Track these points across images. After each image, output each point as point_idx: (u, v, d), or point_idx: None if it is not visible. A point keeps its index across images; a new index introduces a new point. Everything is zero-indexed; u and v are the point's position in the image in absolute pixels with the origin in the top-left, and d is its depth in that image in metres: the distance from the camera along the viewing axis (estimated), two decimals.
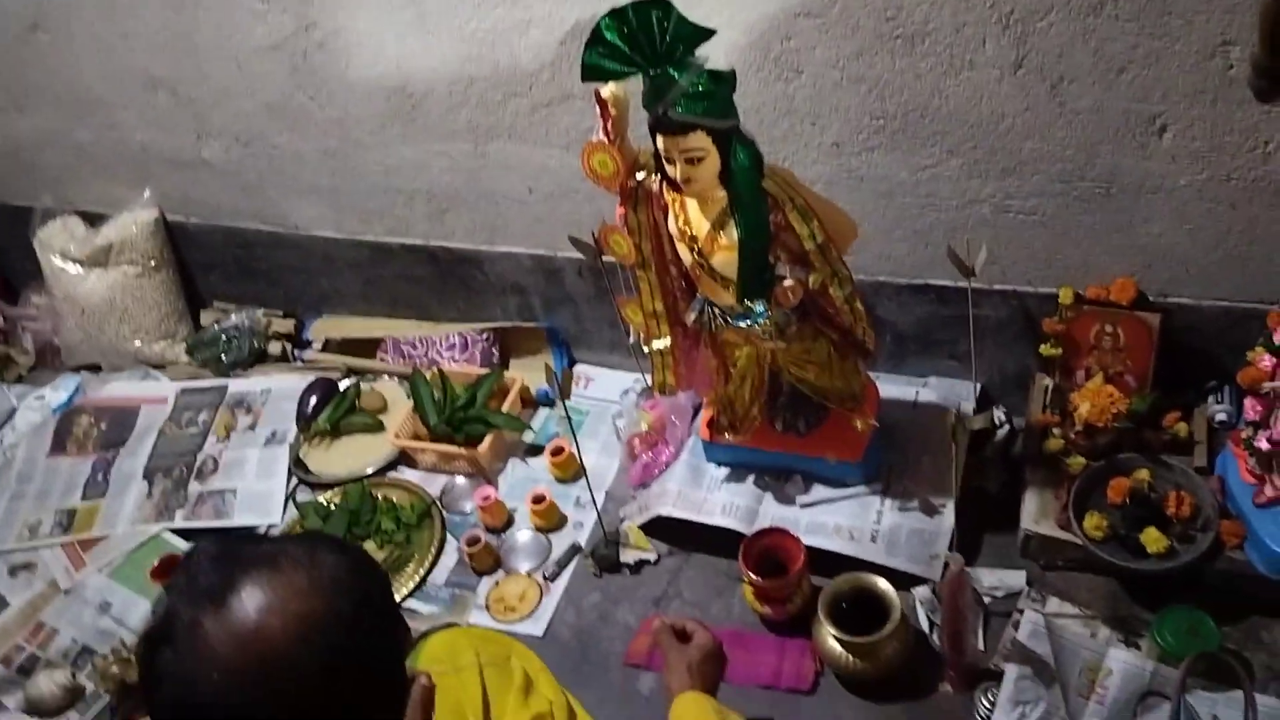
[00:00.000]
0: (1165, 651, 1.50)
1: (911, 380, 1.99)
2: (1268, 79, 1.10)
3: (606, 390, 2.26)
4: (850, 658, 1.60)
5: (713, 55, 1.37)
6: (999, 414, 1.92)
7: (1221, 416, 1.70)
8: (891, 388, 1.97)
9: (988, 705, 1.55)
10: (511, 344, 2.37)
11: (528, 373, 2.26)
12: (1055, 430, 1.75)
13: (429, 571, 1.99)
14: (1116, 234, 1.63)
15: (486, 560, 1.96)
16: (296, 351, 2.53)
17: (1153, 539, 1.57)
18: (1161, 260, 1.64)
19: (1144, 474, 1.62)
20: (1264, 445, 1.46)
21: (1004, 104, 1.54)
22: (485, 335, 2.33)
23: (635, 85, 1.40)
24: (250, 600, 0.83)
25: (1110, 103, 1.48)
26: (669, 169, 1.45)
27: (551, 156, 1.93)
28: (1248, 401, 1.50)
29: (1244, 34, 1.34)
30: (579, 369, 2.32)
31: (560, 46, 1.74)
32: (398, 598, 1.94)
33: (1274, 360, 1.44)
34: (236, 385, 2.43)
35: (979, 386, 1.93)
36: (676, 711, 1.35)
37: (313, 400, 2.31)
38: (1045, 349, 1.75)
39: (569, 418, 1.72)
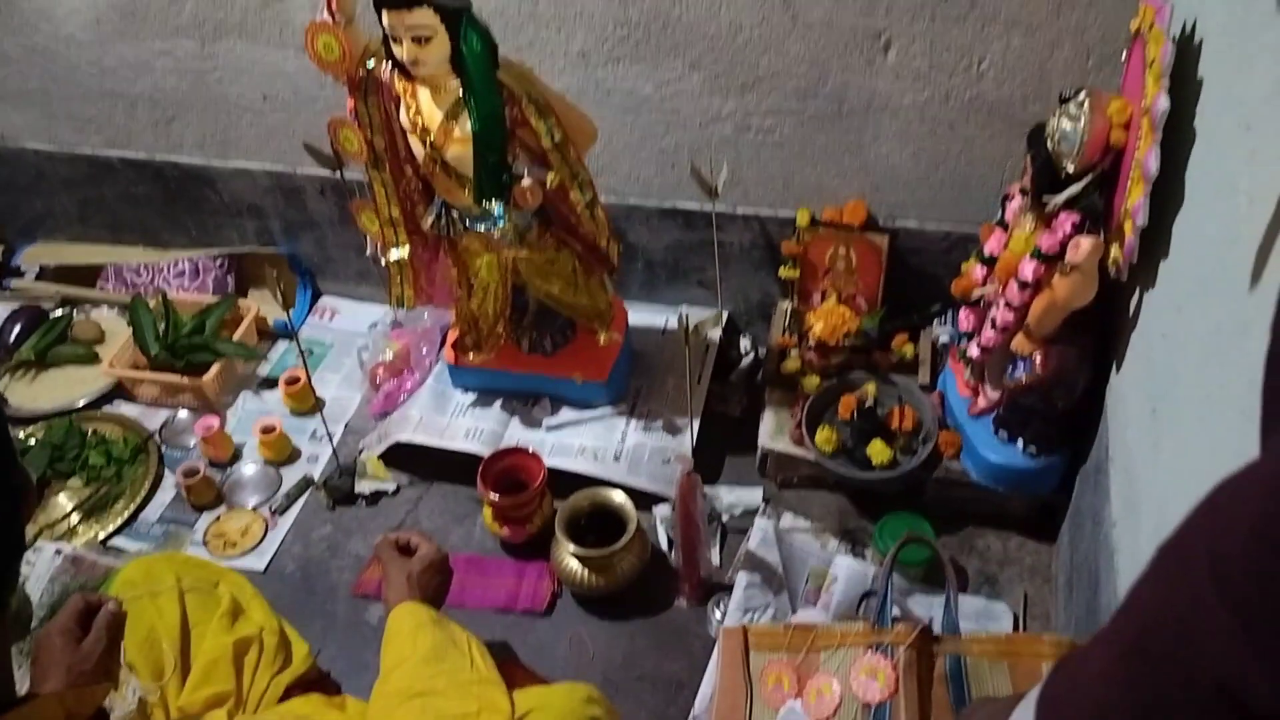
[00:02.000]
0: (885, 554, 1.55)
1: (663, 309, 1.99)
2: None
3: (353, 323, 2.15)
4: (587, 573, 1.57)
5: None
6: (745, 342, 1.95)
7: (944, 338, 1.78)
8: (643, 315, 1.97)
9: (719, 616, 1.56)
10: (249, 273, 2.21)
11: (266, 304, 2.11)
12: (793, 352, 1.78)
13: (140, 508, 1.82)
14: (848, 155, 1.68)
15: (206, 494, 1.81)
16: (4, 281, 2.27)
17: (878, 450, 1.62)
18: (889, 183, 1.70)
19: (870, 388, 1.67)
20: (975, 353, 1.53)
21: (741, 14, 1.54)
22: (219, 262, 2.16)
23: None
24: None
25: (840, 17, 1.51)
26: (396, 50, 1.37)
27: (288, 59, 1.80)
28: (962, 313, 1.57)
29: None
30: (324, 300, 2.19)
31: None
32: (102, 535, 1.76)
33: (985, 270, 1.50)
34: None
35: (726, 314, 1.94)
36: (392, 623, 1.27)
37: (16, 330, 2.08)
38: (784, 271, 1.78)
39: (294, 333, 1.60)
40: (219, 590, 1.42)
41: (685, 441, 1.73)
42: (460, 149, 1.45)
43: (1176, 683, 0.41)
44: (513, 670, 1.42)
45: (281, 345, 2.12)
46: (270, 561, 1.73)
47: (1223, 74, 1.08)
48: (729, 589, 1.58)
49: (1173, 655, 0.42)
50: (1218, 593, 0.39)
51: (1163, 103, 1.12)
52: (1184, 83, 1.15)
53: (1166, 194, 1.17)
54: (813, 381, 1.73)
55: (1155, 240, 1.20)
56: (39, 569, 1.68)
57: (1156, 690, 0.43)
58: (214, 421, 1.86)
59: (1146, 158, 1.16)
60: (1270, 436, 0.44)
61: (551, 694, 1.18)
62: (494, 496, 1.61)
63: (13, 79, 2.00)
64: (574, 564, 1.58)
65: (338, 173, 1.75)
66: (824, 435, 1.65)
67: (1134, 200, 1.19)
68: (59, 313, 2.14)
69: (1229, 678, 0.38)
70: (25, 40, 1.92)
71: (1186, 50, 1.18)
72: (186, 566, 1.44)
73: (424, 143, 1.47)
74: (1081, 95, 1.27)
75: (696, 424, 1.75)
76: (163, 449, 1.93)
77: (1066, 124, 1.27)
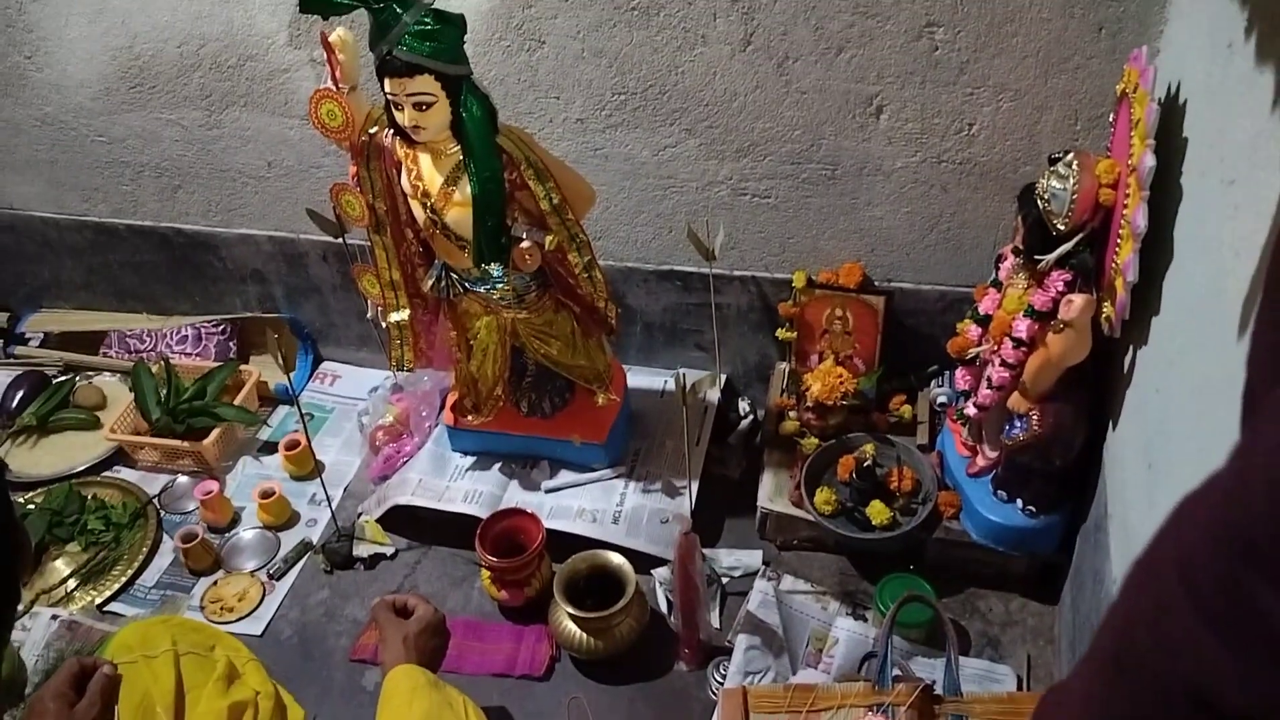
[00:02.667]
0: (886, 615, 1.53)
1: (661, 372, 2.00)
2: None
3: (354, 388, 2.15)
4: (586, 637, 1.56)
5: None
6: (743, 404, 1.96)
7: (942, 399, 1.79)
8: (641, 378, 1.98)
9: (719, 679, 1.54)
10: (251, 339, 2.22)
11: (267, 369, 2.12)
12: (791, 413, 1.79)
13: (138, 573, 1.81)
14: (843, 217, 1.70)
15: (204, 559, 1.80)
16: (9, 347, 2.28)
17: (877, 511, 1.61)
18: (884, 245, 1.72)
19: (869, 449, 1.67)
20: (972, 411, 1.54)
21: (736, 82, 1.58)
22: (221, 328, 2.18)
23: (365, 31, 1.35)
24: None
25: (832, 82, 1.54)
26: (398, 116, 1.40)
27: (291, 128, 1.84)
28: (959, 372, 1.58)
29: (946, 15, 1.44)
30: (325, 366, 2.20)
31: (297, 5, 1.66)
32: (99, 600, 1.75)
33: (980, 329, 1.52)
34: None
35: (724, 377, 1.95)
36: (388, 685, 1.26)
37: (19, 396, 2.09)
38: (781, 332, 1.79)
39: (295, 397, 1.61)
40: (215, 654, 1.41)
41: (684, 503, 1.72)
42: (460, 212, 1.47)
43: (1151, 691, 0.41)
44: None
45: (282, 410, 2.12)
46: (267, 626, 1.71)
47: (1205, 132, 1.10)
48: (729, 652, 1.57)
49: (1147, 665, 0.42)
50: (1187, 599, 0.39)
51: (1149, 161, 1.14)
52: (1169, 141, 1.18)
53: (1156, 250, 1.19)
54: (811, 443, 1.73)
55: (1146, 296, 1.22)
56: (35, 634, 1.67)
57: (1134, 700, 0.43)
58: (213, 486, 1.86)
59: (1135, 215, 1.17)
60: (1244, 433, 0.45)
61: None
62: (492, 559, 1.60)
63: (22, 149, 2.04)
64: (572, 627, 1.56)
65: (340, 238, 1.77)
66: (823, 496, 1.65)
67: (1124, 257, 1.21)
68: (61, 379, 2.16)
69: (1201, 682, 0.38)
70: (35, 112, 1.96)
71: (1171, 110, 1.21)
72: (182, 630, 1.43)
73: (424, 206, 1.50)
74: (1070, 156, 1.29)
75: (696, 486, 1.75)
76: (162, 514, 1.92)
77: (1056, 183, 1.29)
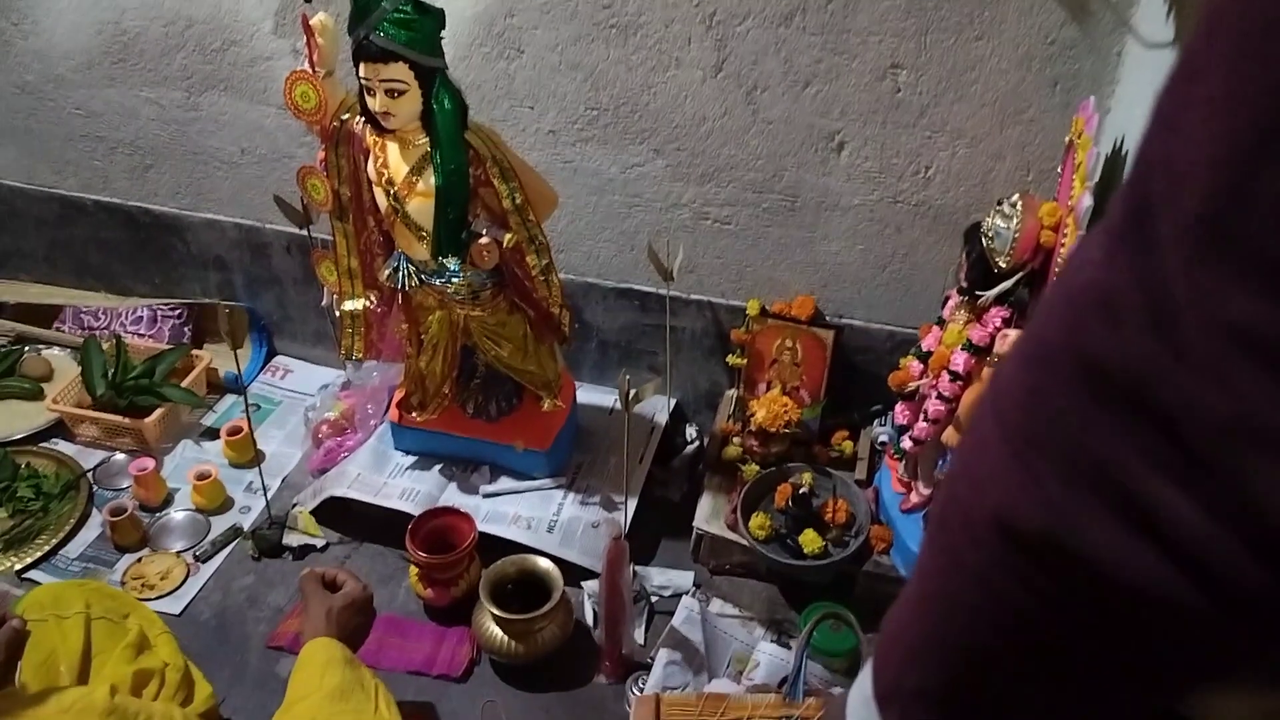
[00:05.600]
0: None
1: (612, 391, 2.01)
2: None
3: (304, 383, 2.15)
4: (508, 640, 1.54)
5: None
6: (690, 430, 1.97)
7: (883, 438, 1.81)
8: (592, 395, 1.99)
9: (637, 693, 1.53)
10: (207, 327, 2.22)
11: (220, 357, 2.12)
12: (735, 439, 1.80)
13: (63, 544, 1.78)
14: (800, 249, 1.73)
15: (131, 535, 1.78)
16: None
17: (810, 540, 1.62)
18: (837, 280, 1.75)
19: (807, 478, 1.69)
20: (908, 445, 1.56)
21: (706, 106, 1.62)
22: (178, 312, 2.18)
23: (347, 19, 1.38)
24: None
25: (797, 115, 1.59)
26: (370, 102, 1.42)
27: (268, 116, 1.86)
28: (898, 407, 1.60)
29: (910, 59, 1.49)
30: (278, 359, 2.20)
31: None
32: (19, 566, 1.72)
33: (921, 366, 1.54)
34: None
35: (674, 401, 1.97)
36: (304, 655, 1.24)
37: None
38: (732, 359, 1.81)
39: (242, 385, 1.61)
40: (128, 622, 1.39)
41: (620, 516, 1.72)
42: (422, 202, 1.49)
43: (963, 535, 0.42)
44: None
45: (229, 399, 2.11)
46: (187, 606, 1.68)
47: None
48: (650, 669, 1.56)
49: (960, 509, 0.43)
50: (995, 424, 0.41)
51: (1086, 201, 1.18)
52: (1109, 186, 1.22)
53: None
54: (752, 469, 1.74)
55: None
56: None
57: (949, 551, 0.44)
58: (149, 464, 1.84)
59: None
60: None
61: None
62: (421, 554, 1.59)
63: None
64: (494, 628, 1.55)
65: (305, 228, 1.79)
66: (758, 521, 1.66)
67: None
68: (10, 349, 2.14)
69: (1003, 505, 0.39)
70: (16, 79, 1.97)
71: (1115, 160, 1.26)
72: (98, 595, 1.41)
73: (388, 194, 1.51)
74: (1015, 196, 1.34)
75: (634, 503, 1.75)
76: (94, 488, 1.90)
77: (1000, 222, 1.33)
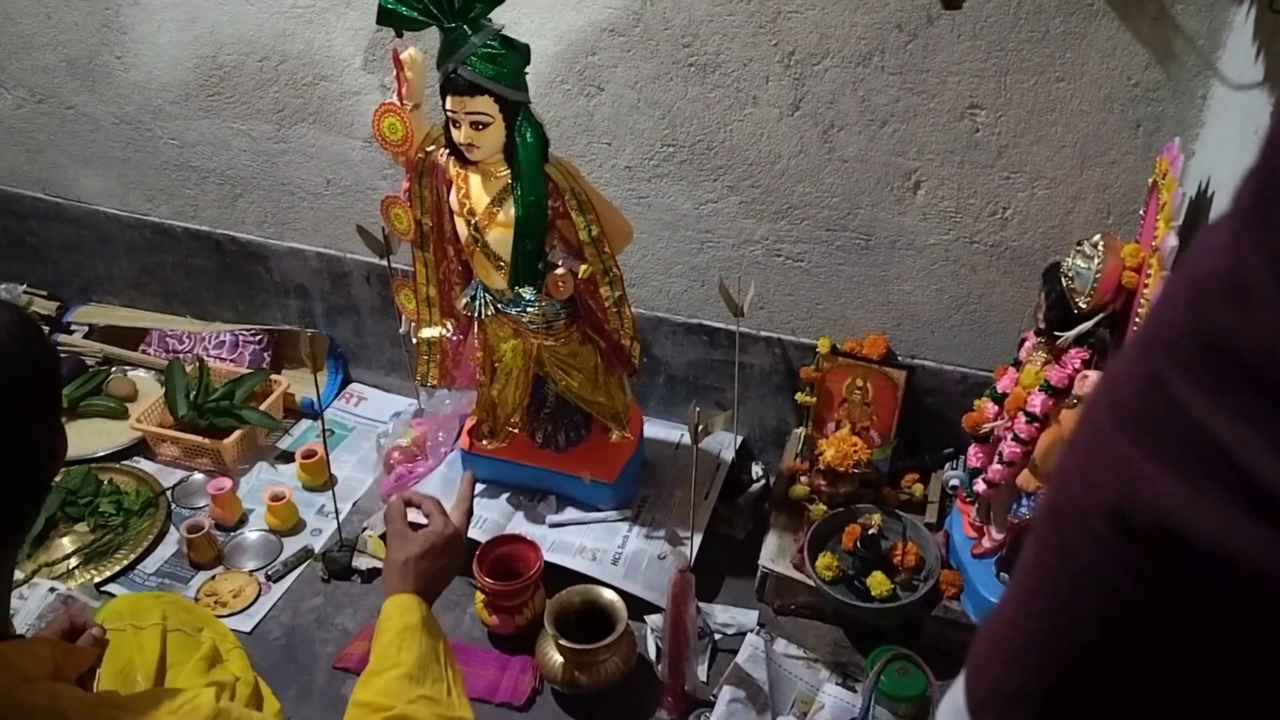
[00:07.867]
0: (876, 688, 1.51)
1: (679, 426, 2.01)
2: None
3: (378, 411, 2.19)
4: (571, 670, 1.54)
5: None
6: (757, 468, 1.96)
7: (954, 482, 1.78)
8: (659, 429, 1.99)
9: None
10: (286, 353, 2.27)
11: (297, 383, 2.17)
12: (802, 477, 1.79)
13: (140, 559, 1.83)
14: (872, 288, 1.73)
15: (206, 553, 1.82)
16: (55, 336, 2.35)
17: (878, 582, 1.60)
18: (910, 320, 1.74)
19: (876, 519, 1.67)
20: (982, 487, 1.53)
21: (781, 144, 1.64)
22: (259, 338, 2.24)
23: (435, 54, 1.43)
24: None
25: (874, 153, 1.59)
26: (455, 134, 1.46)
27: (354, 149, 1.92)
28: (971, 449, 1.58)
29: (989, 99, 1.49)
30: (353, 386, 2.25)
31: (375, 34, 1.76)
32: (98, 579, 1.77)
33: (996, 407, 1.52)
34: None
35: (740, 438, 1.96)
36: (383, 617, 1.15)
37: None
38: (801, 396, 1.81)
39: (320, 410, 1.64)
40: (202, 635, 1.42)
41: (686, 550, 1.72)
42: (501, 233, 1.52)
43: (1077, 528, 0.41)
44: None
45: (305, 424, 2.16)
46: (257, 625, 1.71)
47: None
48: (712, 706, 1.54)
49: (1073, 503, 0.42)
50: (1111, 417, 0.40)
51: (1171, 241, 1.17)
52: (1193, 228, 1.20)
53: None
54: (819, 509, 1.73)
55: None
56: (31, 604, 1.69)
57: (1059, 548, 0.43)
58: (226, 483, 1.88)
59: (1155, 297, 1.19)
60: None
61: None
62: (489, 581, 1.61)
63: (98, 144, 2.14)
64: (558, 658, 1.55)
65: (385, 258, 1.84)
66: (825, 561, 1.64)
67: None
68: (98, 369, 2.22)
69: (1121, 497, 0.38)
70: (116, 110, 2.06)
71: (1200, 201, 1.24)
72: (174, 608, 1.44)
73: (468, 224, 1.55)
74: (1096, 237, 1.32)
75: (699, 538, 1.75)
76: (173, 506, 1.95)
77: (1081, 262, 1.32)
